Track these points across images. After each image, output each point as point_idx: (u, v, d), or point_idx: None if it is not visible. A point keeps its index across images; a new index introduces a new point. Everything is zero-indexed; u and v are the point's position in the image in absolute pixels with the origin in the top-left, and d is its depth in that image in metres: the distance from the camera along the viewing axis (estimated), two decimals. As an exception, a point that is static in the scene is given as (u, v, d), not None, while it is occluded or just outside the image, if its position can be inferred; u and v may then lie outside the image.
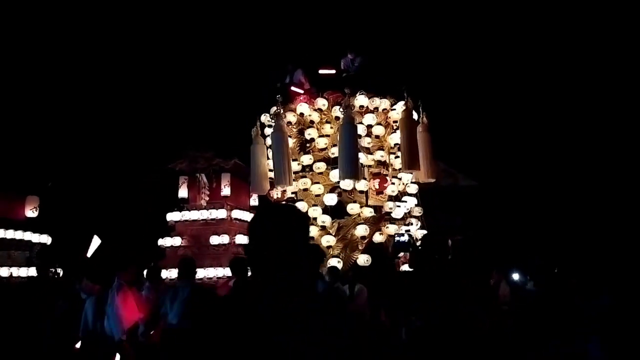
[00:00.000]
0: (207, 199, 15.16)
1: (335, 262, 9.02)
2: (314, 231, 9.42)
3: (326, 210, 9.70)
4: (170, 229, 15.12)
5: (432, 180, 10.38)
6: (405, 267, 9.43)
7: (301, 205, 9.84)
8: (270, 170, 10.29)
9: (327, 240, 9.27)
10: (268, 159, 10.35)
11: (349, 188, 9.66)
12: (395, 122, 10.24)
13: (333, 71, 10.44)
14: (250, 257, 1.81)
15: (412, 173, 10.35)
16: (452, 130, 14.11)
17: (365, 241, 9.48)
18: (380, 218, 9.83)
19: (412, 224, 10.17)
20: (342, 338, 1.69)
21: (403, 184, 10.34)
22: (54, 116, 16.79)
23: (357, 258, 9.31)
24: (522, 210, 16.89)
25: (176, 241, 14.83)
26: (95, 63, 18.20)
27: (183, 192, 15.37)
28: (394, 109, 10.23)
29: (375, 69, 10.65)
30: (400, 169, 10.33)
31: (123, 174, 16.49)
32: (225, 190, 15.09)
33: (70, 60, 17.94)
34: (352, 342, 1.69)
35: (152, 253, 14.52)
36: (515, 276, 11.33)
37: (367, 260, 9.24)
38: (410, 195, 10.46)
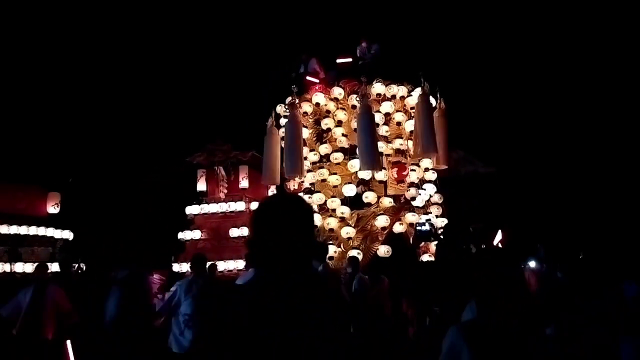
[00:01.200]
0: (226, 191, 15.17)
1: (355, 253, 8.89)
2: (333, 222, 9.28)
3: (345, 201, 9.56)
4: (190, 222, 15.16)
5: (444, 167, 10.17)
6: (426, 257, 9.30)
7: (318, 197, 9.70)
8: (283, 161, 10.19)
9: (347, 232, 9.16)
10: (282, 149, 10.25)
11: (368, 178, 9.48)
12: (412, 108, 10.04)
13: (350, 59, 10.25)
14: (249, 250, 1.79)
15: (430, 158, 10.15)
16: (470, 118, 13.82)
17: (386, 232, 9.32)
18: (400, 208, 9.67)
19: (431, 212, 10.00)
20: (349, 333, 1.67)
21: (423, 170, 10.15)
22: (74, 113, 16.92)
23: (378, 249, 9.16)
24: (541, 197, 16.54)
25: (196, 234, 14.87)
26: (115, 59, 18.28)
27: (202, 185, 15.40)
28: (411, 96, 10.05)
29: (391, 55, 10.46)
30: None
31: (140, 169, 16.56)
32: (244, 183, 15.09)
33: (92, 57, 18.06)
34: (360, 337, 1.66)
35: (173, 246, 14.61)
36: (532, 264, 11.06)
37: (388, 251, 9.11)
38: (430, 182, 10.27)
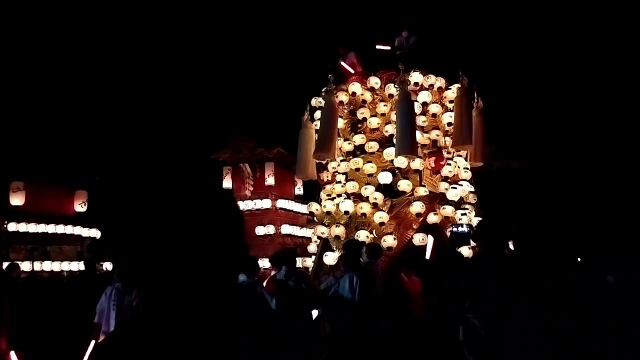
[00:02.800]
0: (252, 189, 15.09)
1: (389, 240, 8.71)
2: (366, 208, 9.14)
3: (379, 189, 9.40)
4: (216, 221, 15.07)
5: (480, 164, 10.06)
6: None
7: (352, 185, 9.53)
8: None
9: (380, 217, 8.98)
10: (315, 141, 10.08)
11: (404, 166, 9.32)
12: (450, 101, 9.86)
13: (388, 47, 10.06)
14: None
15: (461, 156, 9.97)
16: (503, 113, 13.41)
17: (420, 219, 9.10)
18: (435, 198, 9.44)
19: (467, 208, 9.66)
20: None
21: (458, 167, 9.90)
22: (100, 111, 16.96)
23: (412, 237, 8.96)
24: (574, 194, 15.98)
25: (221, 232, 14.78)
26: (140, 55, 18.24)
27: (227, 183, 15.34)
28: (450, 89, 9.89)
29: (430, 48, 10.35)
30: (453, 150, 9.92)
31: (168, 164, 16.52)
32: (270, 180, 14.99)
33: (116, 54, 18.07)
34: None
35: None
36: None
37: (423, 239, 8.90)
38: (465, 180, 10.03)
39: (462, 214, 9.57)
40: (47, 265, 13.27)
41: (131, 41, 17.95)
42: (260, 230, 14.32)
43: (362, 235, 8.85)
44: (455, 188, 9.57)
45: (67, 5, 17.00)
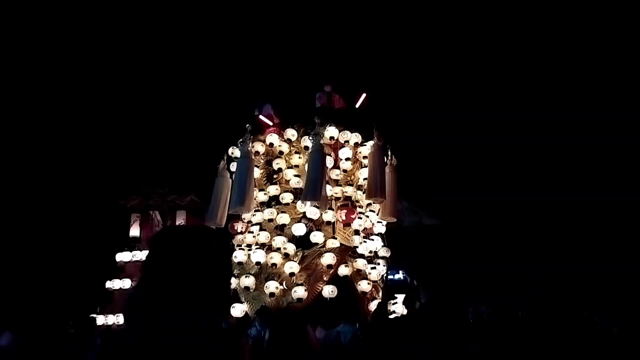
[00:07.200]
0: (162, 237, 14.43)
1: (300, 290, 8.71)
2: (276, 258, 9.09)
3: (292, 240, 9.40)
4: (120, 270, 14.20)
5: (393, 220, 10.26)
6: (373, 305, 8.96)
7: (265, 235, 9.43)
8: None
9: (290, 267, 8.96)
10: (231, 192, 9.93)
11: (316, 217, 9.34)
12: (365, 157, 10.11)
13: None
14: None
15: (374, 211, 10.16)
16: (416, 169, 13.90)
17: (331, 271, 9.10)
18: (347, 250, 9.52)
19: (379, 264, 9.82)
20: None
21: (371, 222, 10.08)
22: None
23: (322, 289, 8.94)
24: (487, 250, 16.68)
25: (126, 283, 13.91)
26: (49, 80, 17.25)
27: (135, 231, 14.57)
28: (365, 145, 10.13)
29: (349, 104, 10.62)
30: (368, 204, 10.10)
31: (70, 210, 15.49)
32: (181, 229, 14.43)
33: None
34: None
35: (99, 297, 13.55)
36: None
37: (332, 291, 8.91)
38: (377, 235, 10.20)
39: (372, 268, 9.68)
40: None
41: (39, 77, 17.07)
42: (169, 281, 13.63)
43: (272, 287, 8.78)
44: (366, 242, 9.72)
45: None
